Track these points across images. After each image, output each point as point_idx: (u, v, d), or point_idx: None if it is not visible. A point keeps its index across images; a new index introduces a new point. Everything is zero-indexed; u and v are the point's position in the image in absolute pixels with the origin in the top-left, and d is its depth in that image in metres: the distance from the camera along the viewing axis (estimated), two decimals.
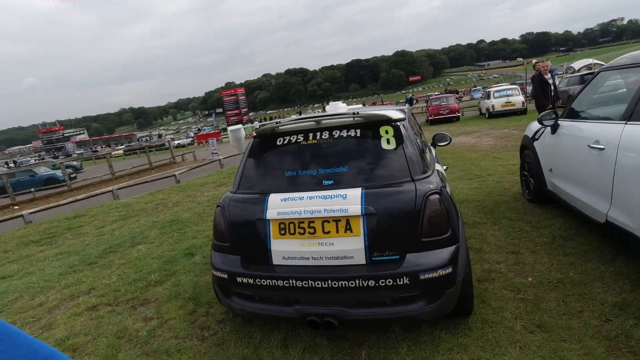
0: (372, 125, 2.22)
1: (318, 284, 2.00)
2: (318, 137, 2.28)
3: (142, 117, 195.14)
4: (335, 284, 1.97)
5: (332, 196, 2.04)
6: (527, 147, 4.23)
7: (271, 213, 2.12)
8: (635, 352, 1.85)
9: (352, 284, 1.95)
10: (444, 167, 3.14)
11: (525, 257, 2.99)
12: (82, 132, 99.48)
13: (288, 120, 2.39)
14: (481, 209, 4.27)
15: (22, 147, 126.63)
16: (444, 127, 14.90)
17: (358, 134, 2.22)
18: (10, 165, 36.65)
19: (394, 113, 2.24)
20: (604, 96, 2.95)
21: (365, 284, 1.94)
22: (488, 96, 15.63)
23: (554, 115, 3.41)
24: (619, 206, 2.40)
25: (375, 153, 2.16)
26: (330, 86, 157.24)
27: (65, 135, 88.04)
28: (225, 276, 2.24)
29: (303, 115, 2.40)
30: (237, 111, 34.00)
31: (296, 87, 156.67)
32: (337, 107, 2.70)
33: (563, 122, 3.34)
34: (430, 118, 16.65)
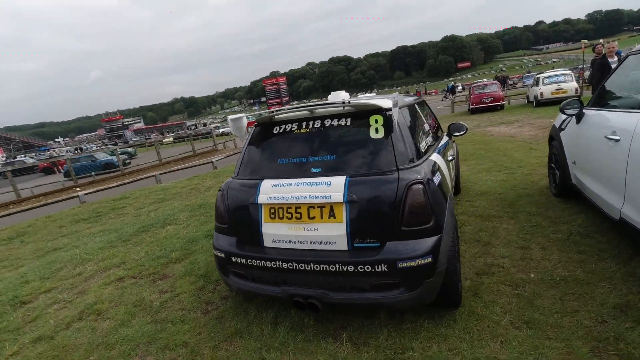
0: (362, 115, 2.25)
1: (302, 266, 2.10)
2: (310, 126, 2.35)
3: (192, 106, 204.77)
4: (318, 267, 2.07)
5: (318, 183, 2.12)
6: (554, 138, 3.98)
7: (262, 198, 2.24)
8: (622, 355, 1.77)
9: (333, 268, 2.03)
10: (451, 157, 3.07)
11: (533, 252, 2.88)
12: (139, 120, 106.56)
13: (284, 109, 2.48)
14: (501, 202, 4.11)
15: (89, 134, 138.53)
16: (485, 116, 14.16)
17: (348, 123, 2.26)
18: (77, 151, 40.40)
19: (385, 102, 2.25)
20: (631, 83, 2.70)
21: (345, 269, 2.01)
22: (537, 83, 14.55)
23: (577, 104, 3.19)
24: (632, 202, 2.24)
25: (363, 142, 2.20)
26: (374, 74, 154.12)
27: (124, 123, 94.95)
28: (223, 255, 2.41)
29: (297, 105, 2.48)
30: (278, 100, 34.75)
31: (340, 76, 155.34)
32: (338, 96, 2.74)
33: (588, 111, 3.11)
34: (472, 107, 15.80)
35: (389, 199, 1.98)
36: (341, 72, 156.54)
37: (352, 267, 1.99)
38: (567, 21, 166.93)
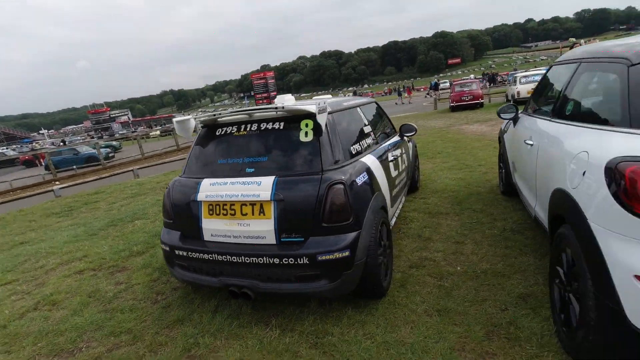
0: (294, 119, 2.41)
1: (236, 259, 2.28)
2: (248, 129, 2.52)
3: (182, 99, 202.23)
4: (249, 259, 2.25)
5: (250, 183, 2.29)
6: (500, 139, 4.22)
7: (201, 195, 2.41)
8: (510, 338, 1.98)
9: (262, 260, 2.21)
10: (392, 158, 3.25)
11: (466, 247, 3.10)
12: (126, 113, 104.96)
13: (227, 112, 2.64)
14: (452, 200, 4.33)
15: (74, 126, 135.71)
16: (464, 113, 14.46)
17: (281, 127, 2.43)
18: (61, 143, 39.81)
19: (315, 107, 2.42)
20: (550, 91, 2.92)
21: (273, 262, 2.19)
22: (515, 81, 14.89)
23: (513, 109, 3.41)
24: (540, 203, 2.46)
25: (293, 145, 2.37)
26: (365, 69, 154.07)
27: (111, 115, 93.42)
28: (168, 249, 2.58)
29: (238, 109, 2.63)
30: (265, 94, 34.65)
31: (331, 70, 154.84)
32: (283, 99, 2.90)
33: (521, 116, 3.33)
34: (452, 104, 16.12)
35: (312, 197, 2.16)
36: (332, 66, 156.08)
37: (278, 260, 2.17)
38: (555, 19, 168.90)
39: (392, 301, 2.44)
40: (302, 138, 2.36)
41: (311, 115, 2.36)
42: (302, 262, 2.14)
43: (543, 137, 2.38)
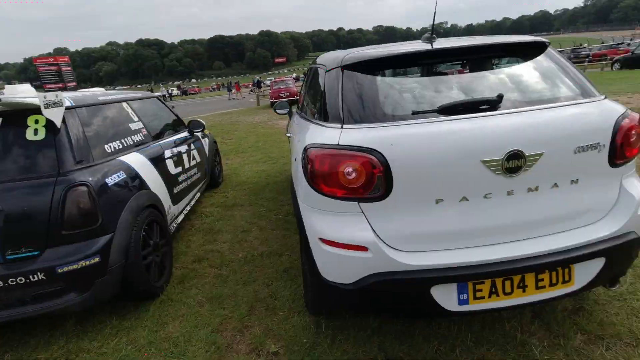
0: (18, 114, 2.04)
1: None
2: None
3: None
4: None
5: None
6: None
7: None
8: (269, 308, 2.24)
9: None
10: (170, 155, 3.15)
11: (251, 234, 3.33)
12: None
13: None
14: (250, 191, 4.58)
15: None
16: None
17: None
18: None
19: (40, 101, 2.10)
20: (304, 90, 3.46)
21: None
22: None
23: (287, 105, 3.84)
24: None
25: (17, 144, 2.01)
26: (191, 62, 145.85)
27: None
28: None
29: None
30: (60, 85, 27.74)
31: (151, 61, 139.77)
32: (15, 90, 2.40)
33: (294, 111, 3.79)
34: (271, 101, 17.15)
35: (45, 204, 1.89)
36: (153, 56, 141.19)
37: (2, 282, 1.82)
38: (360, 30, 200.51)
39: (166, 299, 2.40)
40: (31, 137, 2.02)
41: (40, 110, 2.04)
42: (36, 278, 1.85)
43: (294, 130, 2.77)
